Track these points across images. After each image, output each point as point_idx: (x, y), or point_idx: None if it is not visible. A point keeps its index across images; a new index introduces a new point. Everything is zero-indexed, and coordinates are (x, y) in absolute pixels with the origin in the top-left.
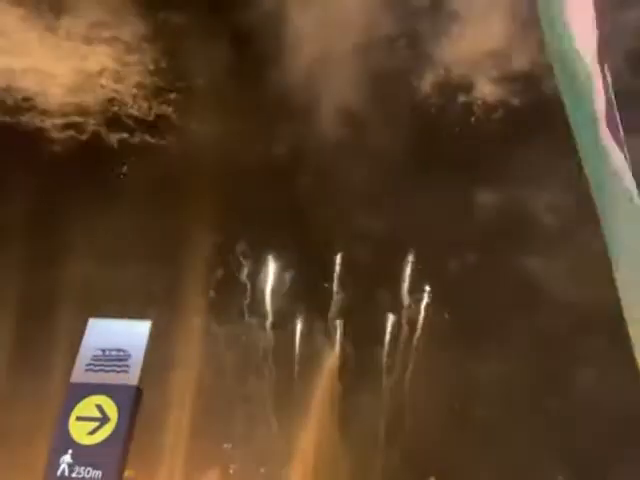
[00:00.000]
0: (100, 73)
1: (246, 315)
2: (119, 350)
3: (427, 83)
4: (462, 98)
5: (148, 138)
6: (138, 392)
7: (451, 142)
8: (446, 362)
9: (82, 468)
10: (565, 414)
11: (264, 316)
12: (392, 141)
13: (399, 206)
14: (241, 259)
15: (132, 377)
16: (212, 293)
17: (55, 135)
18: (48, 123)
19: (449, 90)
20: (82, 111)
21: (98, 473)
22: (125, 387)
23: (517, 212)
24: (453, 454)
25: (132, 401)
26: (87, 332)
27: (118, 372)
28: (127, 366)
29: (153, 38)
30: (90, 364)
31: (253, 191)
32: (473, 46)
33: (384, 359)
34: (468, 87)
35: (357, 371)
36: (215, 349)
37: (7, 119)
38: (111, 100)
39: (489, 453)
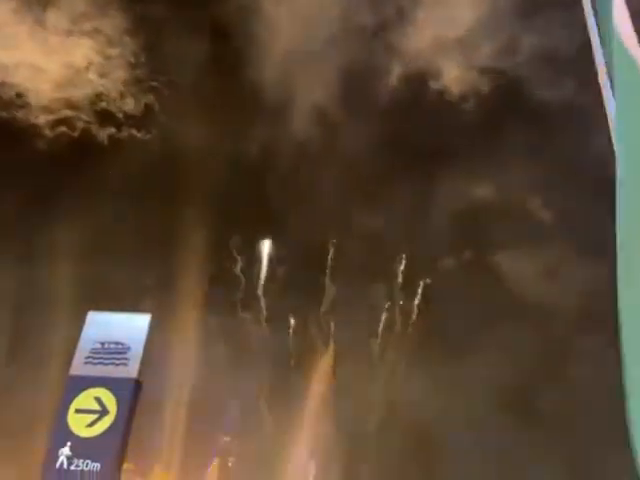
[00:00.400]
0: (87, 68)
1: (240, 309)
2: (118, 343)
3: (398, 74)
4: (435, 87)
5: (135, 132)
6: (137, 385)
7: (426, 132)
8: (439, 356)
9: (81, 460)
10: (559, 413)
11: (259, 310)
12: (375, 133)
13: (390, 202)
14: (235, 253)
15: (131, 370)
16: (206, 287)
17: (46, 131)
18: (39, 119)
19: (422, 80)
20: (72, 107)
21: (97, 465)
22: (124, 380)
23: (496, 203)
24: (449, 447)
25: (131, 394)
26: (86, 325)
27: (117, 365)
28: (126, 359)
29: (135, 31)
30: (89, 357)
31: (244, 185)
32: (441, 33)
33: (377, 352)
34: (438, 76)
35: (350, 364)
36: (211, 342)
37: (4, 114)
38: (98, 95)
39: (484, 447)
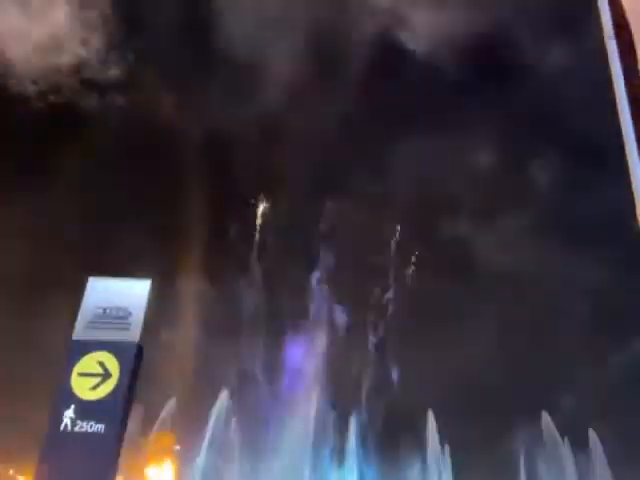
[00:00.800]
0: (67, 34)
1: (237, 275)
2: (119, 308)
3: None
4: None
5: (119, 98)
6: (139, 349)
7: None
8: (430, 321)
9: (85, 422)
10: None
11: (255, 276)
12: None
13: (387, 166)
14: (229, 221)
15: (133, 334)
16: (203, 254)
17: (34, 99)
18: (28, 89)
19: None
20: (58, 74)
21: (101, 426)
22: (126, 344)
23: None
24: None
25: (134, 357)
26: (87, 291)
27: (119, 330)
28: (128, 324)
29: None
30: (91, 322)
31: (238, 150)
32: None
33: (371, 318)
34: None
35: (346, 330)
36: (208, 308)
37: None
38: (81, 61)
39: (478, 400)
